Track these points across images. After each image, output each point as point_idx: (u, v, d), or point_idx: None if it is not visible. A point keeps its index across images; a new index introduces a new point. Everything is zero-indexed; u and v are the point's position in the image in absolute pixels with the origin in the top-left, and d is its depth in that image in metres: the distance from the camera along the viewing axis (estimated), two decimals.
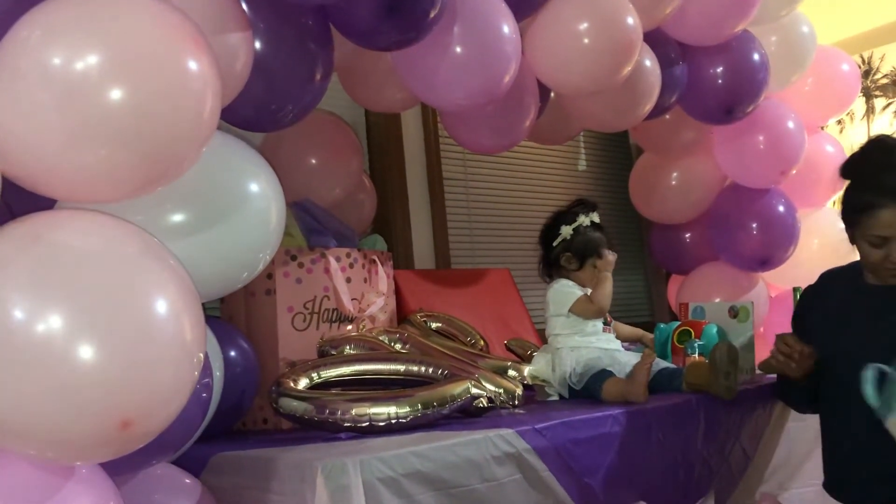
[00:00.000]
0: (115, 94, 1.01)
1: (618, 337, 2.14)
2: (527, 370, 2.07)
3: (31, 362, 0.94)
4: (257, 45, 1.47)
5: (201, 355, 1.09)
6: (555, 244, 2.09)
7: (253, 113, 1.55)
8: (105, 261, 1.02)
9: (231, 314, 1.94)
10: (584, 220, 2.07)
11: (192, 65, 1.07)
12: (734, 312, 2.34)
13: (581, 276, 2.06)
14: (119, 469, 1.15)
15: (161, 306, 1.02)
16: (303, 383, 1.65)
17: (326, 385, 1.70)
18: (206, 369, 1.30)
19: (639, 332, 2.33)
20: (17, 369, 0.94)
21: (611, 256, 2.06)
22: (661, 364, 2.02)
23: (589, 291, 2.03)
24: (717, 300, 2.64)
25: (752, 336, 2.33)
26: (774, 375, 2.12)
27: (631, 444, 1.70)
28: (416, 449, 1.34)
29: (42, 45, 1.00)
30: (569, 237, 2.06)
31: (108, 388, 0.96)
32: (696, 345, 2.13)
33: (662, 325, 2.29)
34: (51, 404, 0.95)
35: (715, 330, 2.19)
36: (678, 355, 2.17)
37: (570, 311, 2.01)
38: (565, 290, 2.03)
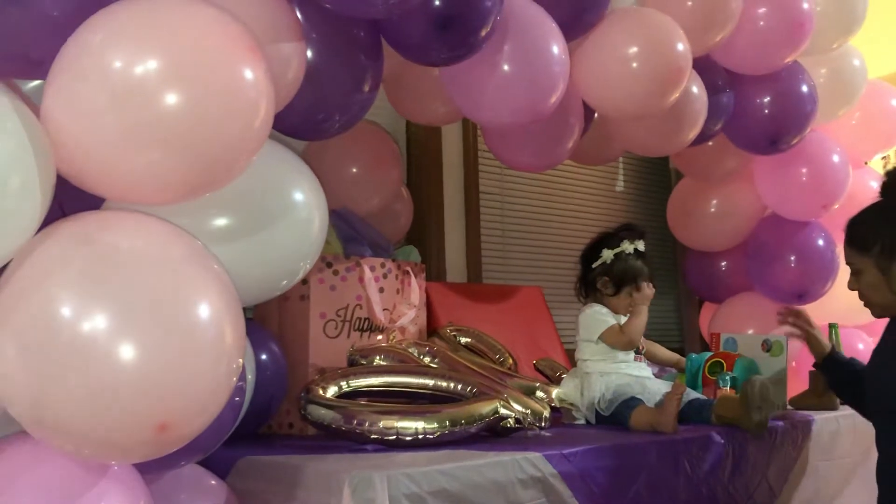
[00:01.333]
0: (171, 98, 1.02)
1: (654, 359, 2.12)
2: (555, 392, 2.06)
3: (74, 361, 0.96)
4: (309, 54, 1.48)
5: (240, 361, 1.10)
6: (594, 265, 2.07)
7: (300, 121, 1.57)
8: (151, 263, 1.03)
9: (264, 317, 1.95)
10: (627, 246, 2.04)
11: (248, 73, 1.08)
12: (767, 346, 2.30)
13: (615, 303, 2.04)
14: (150, 468, 1.16)
15: (203, 311, 1.03)
16: (331, 391, 1.66)
17: (355, 394, 1.70)
18: (240, 373, 1.30)
19: (676, 356, 2.30)
20: (61, 367, 0.96)
21: (649, 290, 2.03)
22: (691, 395, 1.99)
23: (622, 319, 2.01)
24: (751, 332, 2.60)
25: (784, 370, 2.29)
26: (806, 412, 2.09)
27: (657, 474, 1.68)
28: (443, 467, 1.33)
29: (104, 48, 1.02)
30: (609, 262, 2.04)
31: (148, 391, 0.97)
32: (727, 377, 2.10)
33: (694, 356, 2.26)
34: (91, 403, 0.96)
35: (747, 363, 2.17)
36: (709, 387, 2.14)
37: (599, 338, 2.00)
38: (597, 317, 2.01)
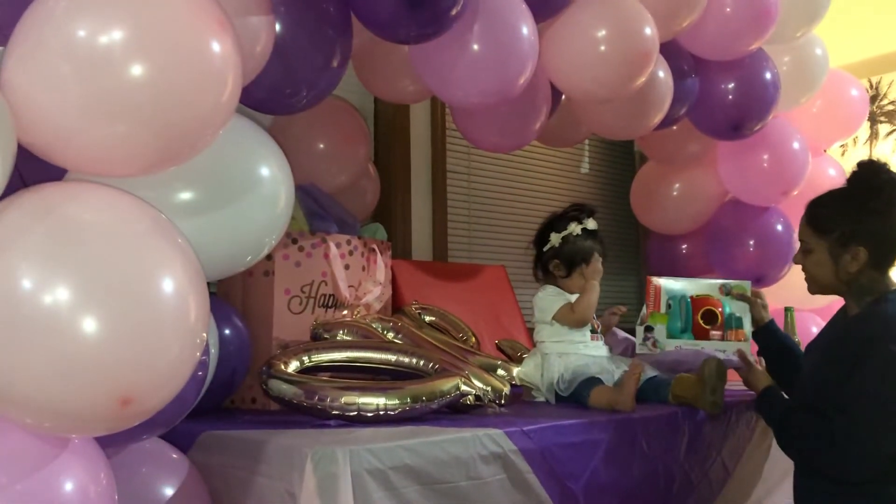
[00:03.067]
0: (137, 70, 1.00)
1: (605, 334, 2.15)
2: (515, 371, 2.08)
3: (36, 333, 0.94)
4: (277, 27, 1.47)
5: (204, 335, 1.10)
6: (545, 249, 2.09)
7: (267, 95, 1.55)
8: (115, 236, 1.02)
9: (227, 292, 1.95)
10: (574, 228, 2.05)
11: (216, 46, 1.07)
12: (727, 290, 2.20)
13: (569, 284, 2.06)
14: (111, 441, 1.16)
15: (168, 285, 1.02)
16: (293, 366, 1.66)
17: (317, 369, 1.71)
18: (204, 347, 1.30)
19: (606, 324, 2.22)
20: (21, 339, 0.94)
21: (598, 265, 2.06)
22: (648, 374, 2.03)
23: (574, 299, 2.04)
24: (702, 280, 2.33)
25: (749, 310, 2.19)
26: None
27: (615, 451, 1.72)
28: (405, 443, 1.34)
29: (68, 16, 1.00)
30: (557, 245, 2.06)
31: (111, 365, 0.97)
32: (732, 318, 2.11)
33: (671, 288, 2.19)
34: (53, 376, 0.95)
35: (730, 309, 2.15)
36: (702, 335, 2.13)
37: (553, 319, 2.02)
38: (549, 298, 2.04)
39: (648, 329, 2.18)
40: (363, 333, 1.89)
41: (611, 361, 2.05)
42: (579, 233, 2.06)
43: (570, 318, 2.01)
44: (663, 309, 2.22)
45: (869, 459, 1.60)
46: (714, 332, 2.16)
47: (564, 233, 2.06)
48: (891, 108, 4.27)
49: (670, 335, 2.19)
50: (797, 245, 2.71)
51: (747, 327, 2.17)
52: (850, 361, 1.63)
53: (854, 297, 1.76)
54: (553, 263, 2.07)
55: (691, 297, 2.20)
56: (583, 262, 2.05)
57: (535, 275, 2.15)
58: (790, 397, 1.88)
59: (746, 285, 2.22)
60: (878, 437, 1.59)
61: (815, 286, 1.82)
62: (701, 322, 2.16)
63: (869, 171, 1.75)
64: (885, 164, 1.78)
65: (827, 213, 1.77)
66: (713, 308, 2.17)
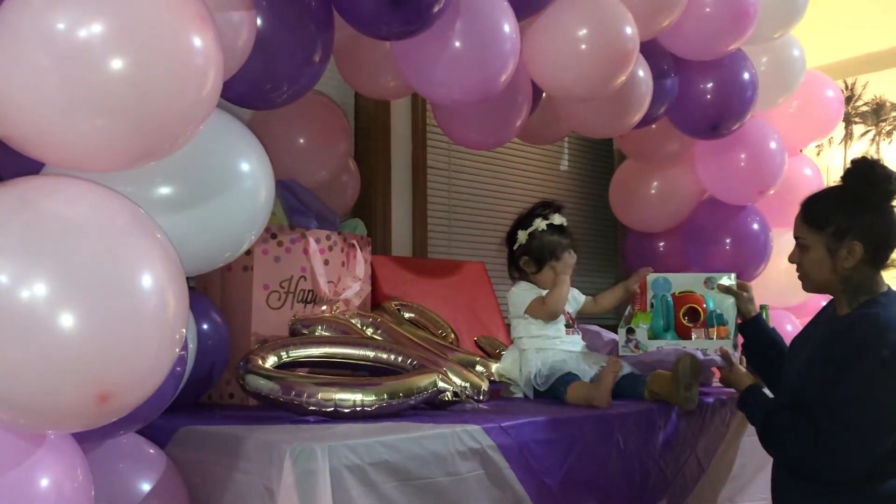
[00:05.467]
0: (117, 64, 1.00)
1: (604, 309, 2.15)
2: (494, 367, 2.09)
3: (12, 329, 0.94)
4: (258, 22, 1.46)
5: (183, 331, 1.09)
6: (515, 248, 2.11)
7: (247, 90, 1.55)
8: (93, 231, 1.01)
9: (206, 287, 1.94)
10: (539, 224, 2.07)
11: (197, 41, 1.06)
12: (711, 284, 2.20)
13: (541, 279, 2.08)
14: (88, 437, 1.15)
15: (146, 280, 1.01)
16: (271, 361, 1.65)
17: (295, 365, 1.70)
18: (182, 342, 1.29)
19: (619, 289, 2.21)
20: None
21: (570, 259, 2.07)
22: (625, 370, 2.05)
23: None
24: (688, 274, 2.32)
25: (734, 306, 2.20)
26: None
27: (592, 447, 1.73)
28: (384, 439, 1.35)
29: (46, 9, 0.99)
30: (524, 241, 2.08)
31: (89, 360, 0.96)
32: (713, 317, 2.12)
33: (655, 279, 2.17)
34: (29, 372, 0.95)
35: (713, 304, 2.16)
36: (685, 333, 2.14)
37: (525, 312, 2.04)
38: (521, 293, 2.06)
39: (630, 331, 2.19)
40: (342, 329, 1.89)
41: (588, 356, 2.07)
42: (544, 228, 2.07)
43: (541, 310, 2.02)
44: (648, 307, 2.23)
45: (856, 462, 1.62)
46: (696, 330, 2.17)
47: (530, 229, 2.08)
48: (865, 109, 4.33)
49: (653, 335, 2.20)
50: (773, 244, 2.78)
51: (731, 322, 2.18)
52: (841, 364, 1.63)
53: (847, 296, 1.75)
54: (523, 260, 2.09)
55: (673, 295, 2.21)
56: (551, 256, 2.06)
57: (510, 274, 2.17)
58: (774, 394, 1.89)
59: (732, 277, 2.22)
60: (867, 440, 1.60)
61: (811, 284, 1.82)
62: (683, 320, 2.18)
63: (864, 167, 1.75)
64: (879, 161, 1.78)
65: (823, 209, 1.76)
66: (696, 305, 2.18)
